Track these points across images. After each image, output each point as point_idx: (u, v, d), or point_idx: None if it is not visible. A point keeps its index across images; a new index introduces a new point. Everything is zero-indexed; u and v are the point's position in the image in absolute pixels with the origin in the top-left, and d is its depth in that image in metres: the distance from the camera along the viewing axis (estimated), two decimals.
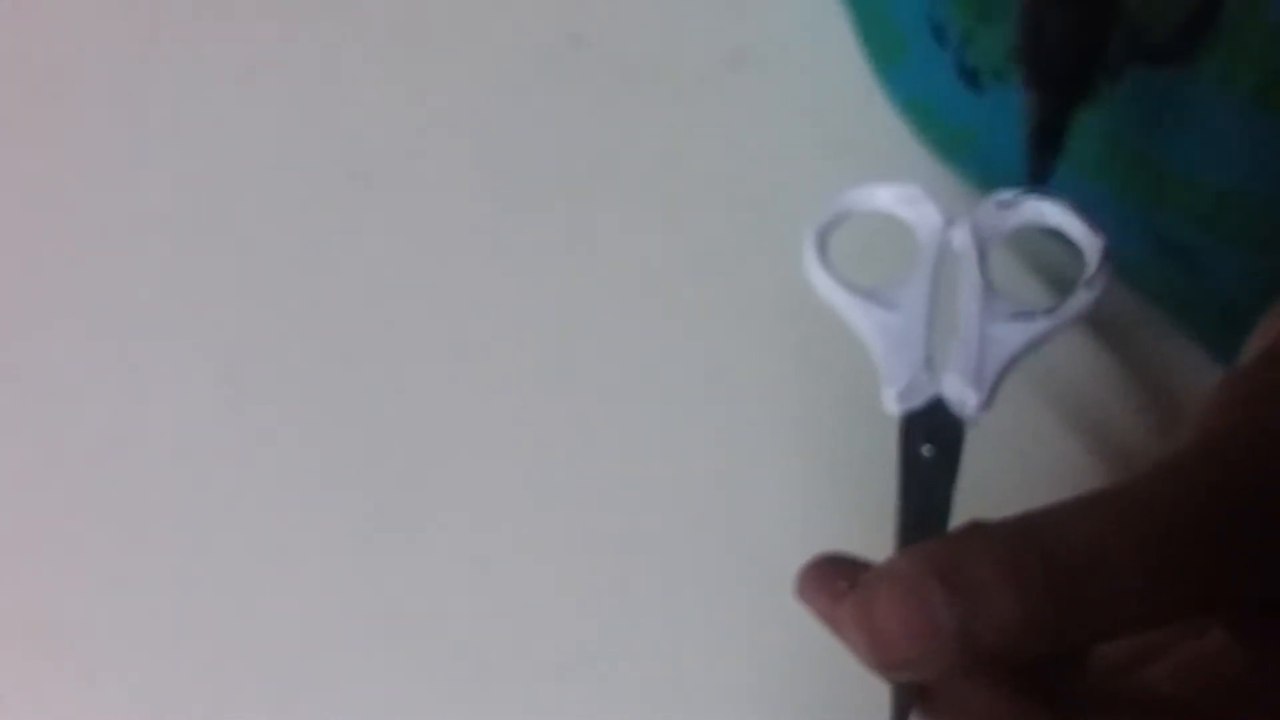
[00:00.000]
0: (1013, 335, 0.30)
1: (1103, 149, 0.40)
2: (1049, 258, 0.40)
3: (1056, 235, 0.32)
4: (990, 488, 0.30)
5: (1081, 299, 0.30)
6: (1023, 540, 0.25)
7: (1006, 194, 0.32)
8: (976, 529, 0.26)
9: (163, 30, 0.51)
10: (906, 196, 0.33)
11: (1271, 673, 0.27)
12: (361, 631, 0.41)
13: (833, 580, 0.28)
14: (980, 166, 0.43)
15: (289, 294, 0.46)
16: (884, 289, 0.31)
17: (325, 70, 0.49)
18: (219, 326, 0.46)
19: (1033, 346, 0.30)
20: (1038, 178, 0.32)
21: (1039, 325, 0.30)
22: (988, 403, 0.30)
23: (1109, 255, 0.31)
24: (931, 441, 0.29)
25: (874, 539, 0.30)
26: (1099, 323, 0.42)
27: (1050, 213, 0.32)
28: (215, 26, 0.50)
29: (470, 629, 0.41)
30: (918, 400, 0.30)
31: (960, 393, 0.30)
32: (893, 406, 0.30)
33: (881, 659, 0.25)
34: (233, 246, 0.47)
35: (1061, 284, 0.33)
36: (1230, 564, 0.26)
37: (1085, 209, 0.32)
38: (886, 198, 0.33)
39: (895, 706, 0.28)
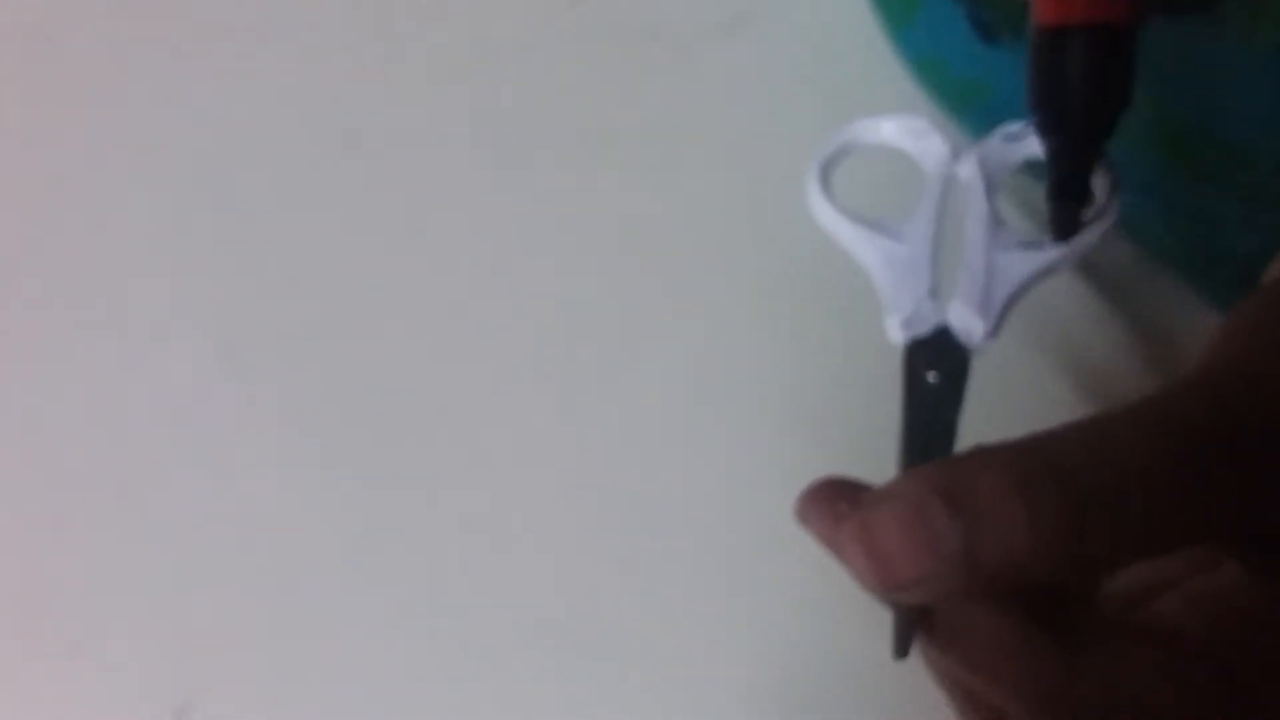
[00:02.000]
0: (1020, 264, 0.30)
1: None
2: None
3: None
4: (983, 435, 0.29)
5: (1092, 230, 0.30)
6: (1033, 457, 0.24)
7: (1014, 126, 0.32)
8: (981, 449, 0.25)
9: None
10: (912, 129, 0.32)
11: None
12: (362, 618, 0.41)
13: (833, 502, 0.27)
14: (995, 121, 0.42)
15: (283, 263, 0.46)
16: (889, 221, 0.31)
17: (316, 31, 0.49)
18: (213, 299, 0.45)
19: (1040, 276, 0.30)
20: (1064, 232, 0.30)
21: (1047, 255, 0.30)
22: (994, 331, 0.29)
23: (1119, 186, 0.30)
24: (937, 368, 0.29)
25: (879, 474, 0.29)
26: (1105, 276, 0.42)
27: None
28: None
29: (469, 611, 0.41)
30: (922, 328, 0.30)
31: (966, 321, 0.29)
32: (897, 334, 0.30)
33: (882, 579, 0.25)
34: (225, 215, 0.47)
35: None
36: (1251, 487, 0.25)
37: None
38: (891, 130, 0.33)
39: (897, 633, 0.27)
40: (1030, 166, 0.31)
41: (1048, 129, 0.30)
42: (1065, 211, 0.30)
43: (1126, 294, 0.42)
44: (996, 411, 0.35)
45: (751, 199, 0.45)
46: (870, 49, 0.45)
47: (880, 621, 0.28)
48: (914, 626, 0.27)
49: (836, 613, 0.37)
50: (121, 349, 0.45)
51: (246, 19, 0.49)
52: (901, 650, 0.27)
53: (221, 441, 0.43)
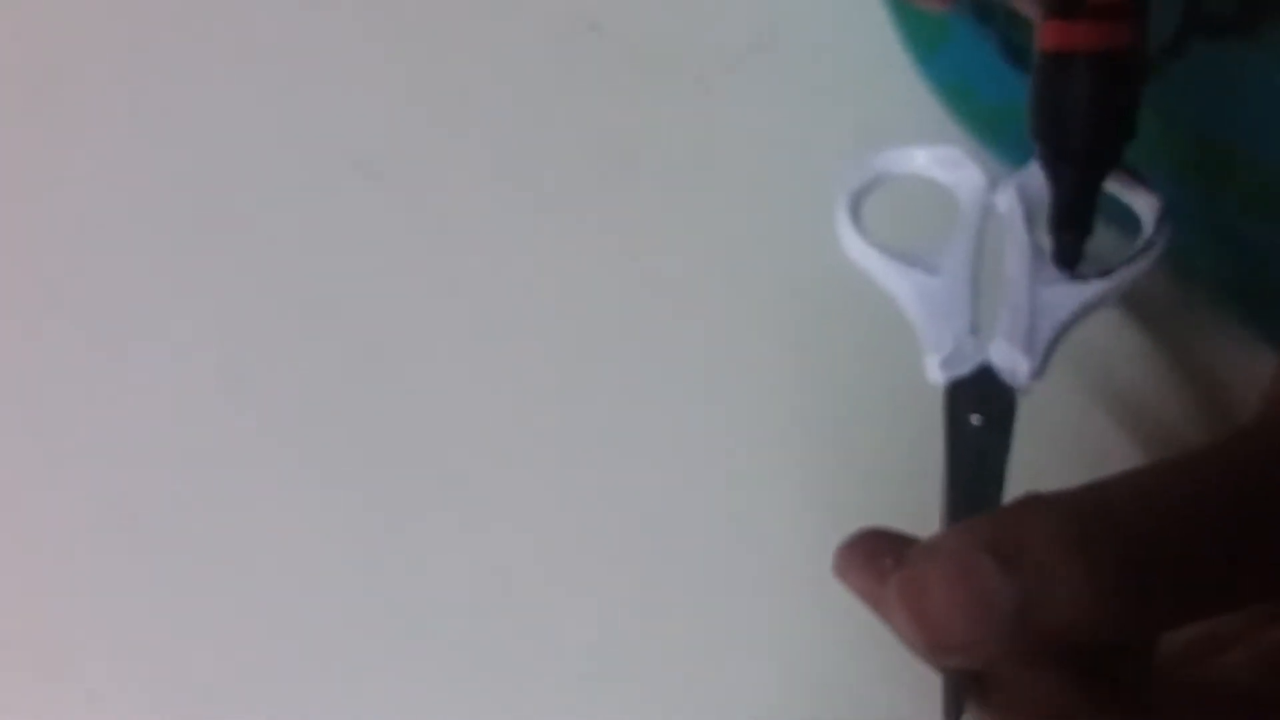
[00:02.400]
0: (1066, 299, 0.28)
1: (1162, 130, 0.38)
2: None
3: (1108, 200, 0.30)
4: (1028, 479, 0.27)
5: (1139, 262, 0.29)
6: (1091, 512, 0.23)
7: None
8: (1036, 499, 0.24)
9: (163, 16, 0.49)
10: (946, 158, 0.31)
11: None
12: (367, 637, 0.40)
13: (876, 557, 0.25)
14: (1026, 149, 0.41)
15: (292, 290, 0.45)
16: (923, 253, 0.30)
17: (332, 57, 0.48)
18: (219, 325, 0.44)
19: (1087, 311, 0.29)
20: (1066, 264, 0.29)
21: (1093, 288, 0.29)
22: (1041, 369, 0.28)
23: (1166, 216, 0.29)
24: (981, 411, 0.28)
25: (919, 524, 0.27)
26: (1149, 308, 0.40)
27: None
28: (216, 10, 0.49)
29: (478, 630, 0.40)
30: (964, 368, 0.28)
31: (1011, 359, 0.28)
32: (936, 375, 0.28)
33: (932, 642, 0.23)
34: (233, 241, 0.46)
35: (1106, 259, 0.31)
36: None
37: (1140, 170, 0.30)
38: (924, 159, 0.31)
39: (947, 697, 0.25)
40: None
41: (1050, 159, 0.29)
42: (1068, 243, 0.29)
43: (1172, 330, 0.40)
44: (1040, 454, 0.33)
45: (774, 228, 0.43)
46: (896, 76, 0.43)
47: (916, 673, 0.26)
48: (966, 690, 0.25)
49: (868, 653, 0.35)
50: (125, 375, 0.44)
51: (258, 44, 0.48)
52: (953, 716, 0.25)
53: (225, 469, 0.42)
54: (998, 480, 0.27)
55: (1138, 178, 0.30)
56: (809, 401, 0.41)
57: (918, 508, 0.28)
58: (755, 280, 0.43)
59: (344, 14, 0.48)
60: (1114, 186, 0.30)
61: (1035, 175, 0.30)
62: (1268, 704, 0.25)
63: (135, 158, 0.47)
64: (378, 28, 0.48)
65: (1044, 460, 0.36)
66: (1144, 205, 0.29)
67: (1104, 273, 0.29)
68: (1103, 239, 0.36)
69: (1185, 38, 0.37)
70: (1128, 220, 0.30)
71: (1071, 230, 0.29)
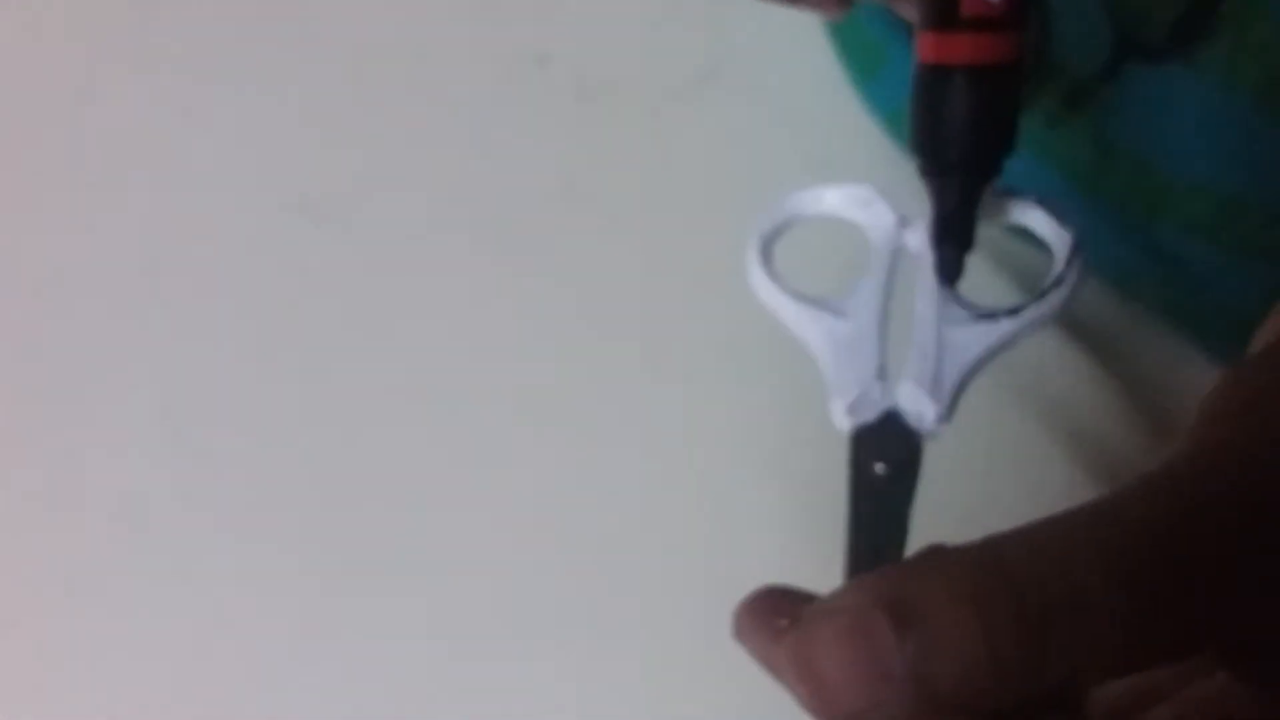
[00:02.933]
0: (974, 340, 0.28)
1: (1097, 156, 0.38)
2: (1019, 262, 0.38)
3: (1023, 234, 0.29)
4: (960, 510, 0.28)
5: (1050, 300, 0.28)
6: (987, 567, 0.22)
7: None
8: (934, 554, 0.23)
9: (107, 55, 0.49)
10: (857, 198, 0.31)
11: None
12: (320, 685, 0.40)
13: (771, 617, 0.24)
14: None
15: (234, 334, 0.45)
16: (833, 297, 0.29)
17: (275, 96, 0.48)
18: (159, 369, 0.44)
19: (996, 352, 0.28)
20: (949, 279, 0.28)
21: (1003, 328, 0.28)
22: (948, 414, 0.27)
23: (1079, 250, 0.28)
24: (885, 459, 0.27)
25: (831, 571, 0.27)
26: (1085, 327, 0.40)
27: (1014, 208, 0.30)
28: (159, 51, 0.49)
29: (437, 676, 0.39)
30: (869, 414, 0.27)
31: (917, 404, 0.27)
32: (842, 421, 0.28)
33: (824, 708, 0.22)
34: (175, 284, 0.46)
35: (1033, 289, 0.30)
36: (1228, 594, 0.22)
37: (1052, 202, 0.29)
38: (835, 200, 0.31)
39: None
40: (987, 231, 0.30)
41: (929, 172, 0.28)
42: (949, 258, 0.28)
43: (1114, 348, 0.40)
44: (980, 479, 0.33)
45: (719, 257, 0.42)
46: (842, 104, 0.43)
47: None
48: None
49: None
50: (63, 423, 0.44)
51: (200, 83, 0.48)
52: None
53: (166, 516, 0.42)
54: (900, 530, 0.26)
55: (1052, 211, 0.29)
56: (742, 437, 0.41)
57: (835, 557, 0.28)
58: (701, 307, 0.43)
59: (287, 53, 0.48)
60: (1028, 219, 0.29)
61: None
62: None
63: (78, 201, 0.47)
64: (321, 66, 0.48)
65: (983, 486, 0.36)
66: (1057, 239, 0.29)
67: (1013, 311, 0.28)
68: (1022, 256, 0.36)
69: (1119, 62, 0.37)
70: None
71: (952, 245, 0.28)
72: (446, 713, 0.39)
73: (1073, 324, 0.40)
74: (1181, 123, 0.36)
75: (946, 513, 0.27)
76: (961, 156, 0.28)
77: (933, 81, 0.28)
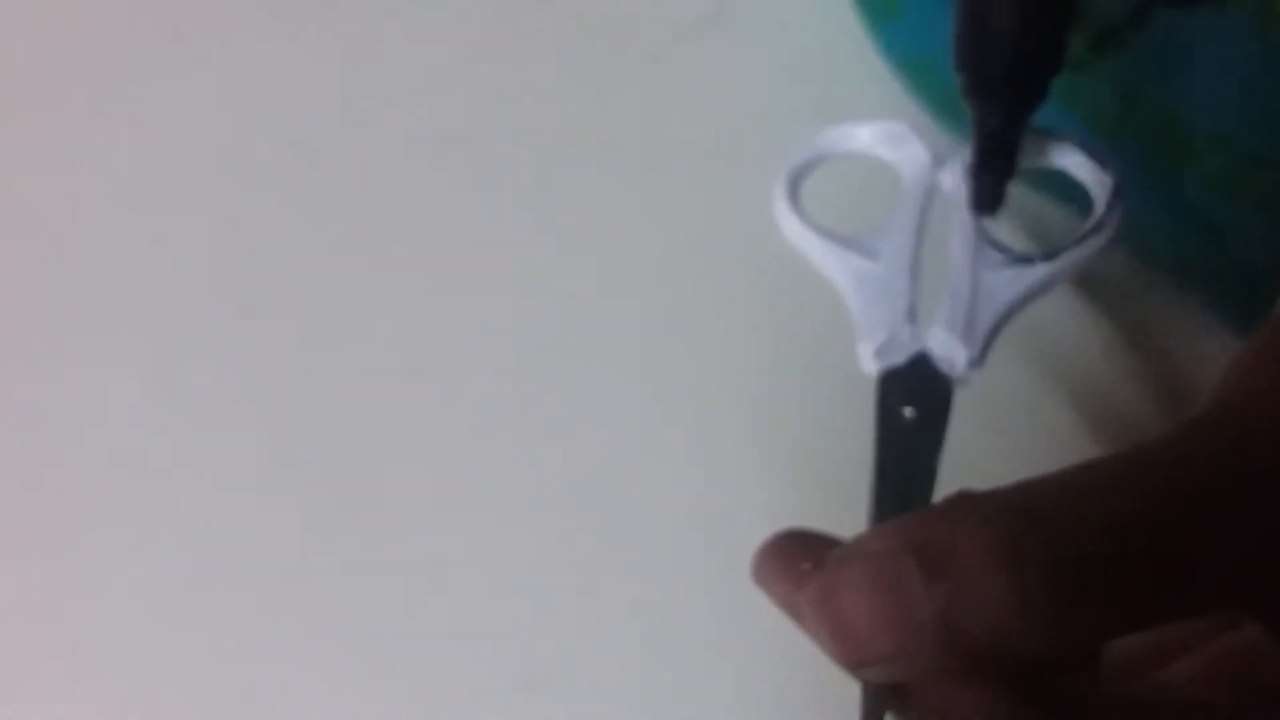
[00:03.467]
0: (1009, 284, 0.27)
1: (1122, 105, 0.37)
2: (1047, 217, 0.36)
3: (1059, 177, 0.28)
4: (974, 468, 0.26)
5: (1089, 244, 0.27)
6: (1020, 515, 0.21)
7: None
8: (964, 499, 0.22)
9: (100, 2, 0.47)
10: (890, 135, 0.30)
11: None
12: (316, 645, 0.38)
13: (794, 560, 0.23)
14: None
15: (225, 281, 0.43)
16: (863, 236, 0.28)
17: (269, 36, 0.46)
18: (152, 316, 0.43)
19: (1032, 296, 0.27)
20: (987, 208, 0.27)
21: (1038, 272, 0.27)
22: (980, 359, 0.26)
23: (1120, 193, 0.27)
24: (914, 403, 0.26)
25: (854, 520, 0.26)
26: (1103, 288, 0.39)
27: (1053, 150, 0.29)
28: None
29: (430, 636, 0.38)
30: (898, 356, 0.27)
31: (948, 348, 0.26)
32: (869, 364, 0.27)
33: (848, 655, 0.21)
34: (167, 227, 0.44)
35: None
36: (1262, 547, 0.22)
37: (1093, 145, 0.28)
38: (867, 136, 0.30)
39: (866, 709, 0.23)
40: (1023, 175, 0.28)
41: (973, 91, 0.28)
42: (988, 185, 0.27)
43: (1128, 311, 0.39)
44: (989, 439, 0.32)
45: (726, 204, 0.42)
46: (853, 50, 0.42)
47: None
48: (885, 703, 0.23)
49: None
50: (55, 372, 0.42)
51: (194, 25, 0.46)
52: None
53: (157, 477, 0.40)
54: (928, 477, 0.25)
55: (1092, 154, 0.28)
56: (755, 387, 0.39)
57: (858, 504, 0.26)
58: (706, 259, 0.41)
59: None
60: (1067, 162, 0.28)
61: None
62: (1211, 715, 0.23)
63: (69, 143, 0.45)
64: (316, 4, 0.46)
65: (992, 444, 0.35)
66: (1096, 183, 0.28)
67: (1050, 255, 0.27)
68: (1051, 220, 0.35)
69: (1148, 8, 0.35)
70: (1079, 200, 0.29)
71: (993, 170, 0.27)
72: (434, 666, 0.38)
73: (1089, 289, 0.39)
74: (1209, 71, 0.35)
75: (956, 476, 0.25)
76: (1008, 72, 0.27)
77: None
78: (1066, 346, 0.38)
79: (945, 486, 0.25)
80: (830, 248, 0.28)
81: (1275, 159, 0.35)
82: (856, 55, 0.42)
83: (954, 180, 0.28)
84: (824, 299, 0.30)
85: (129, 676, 0.38)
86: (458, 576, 0.39)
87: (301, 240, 0.43)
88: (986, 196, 0.27)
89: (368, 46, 0.45)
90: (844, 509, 0.26)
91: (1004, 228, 0.29)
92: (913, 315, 0.27)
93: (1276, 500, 0.22)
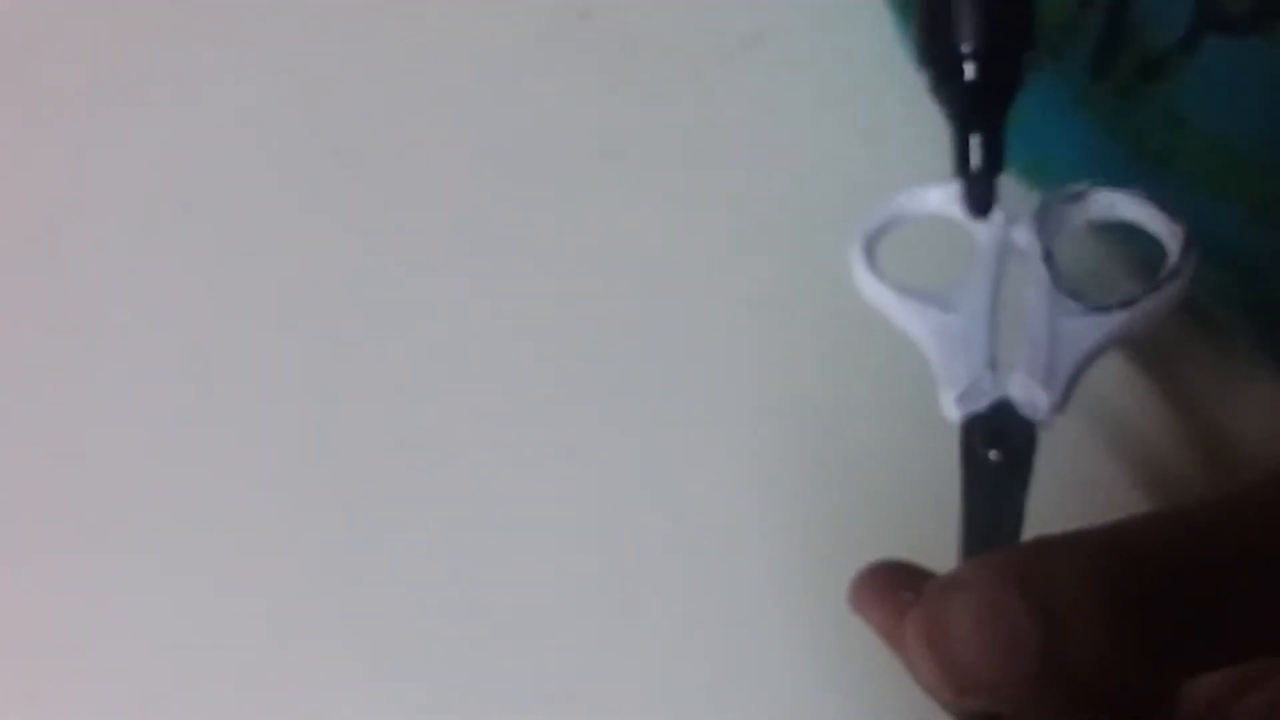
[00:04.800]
0: (1087, 331, 0.27)
1: (1168, 130, 0.36)
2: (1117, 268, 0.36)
3: (1130, 230, 0.29)
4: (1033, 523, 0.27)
5: (1166, 291, 0.27)
6: (1118, 550, 0.22)
7: (1076, 186, 0.29)
8: (1059, 538, 0.22)
9: (140, 3, 0.47)
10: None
11: None
12: (338, 640, 0.38)
13: (894, 589, 0.25)
14: (1030, 153, 0.39)
15: (262, 281, 0.43)
16: (940, 291, 0.29)
17: (316, 44, 0.46)
18: (185, 316, 0.43)
19: (1110, 343, 0.27)
20: (978, 209, 0.27)
21: (1116, 319, 0.27)
22: (1063, 404, 0.27)
23: (1192, 243, 0.28)
24: (999, 446, 0.26)
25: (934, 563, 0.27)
26: (1158, 348, 0.39)
27: (1123, 204, 0.29)
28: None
29: (452, 639, 0.38)
30: (981, 403, 0.27)
31: (1030, 393, 0.27)
32: (952, 411, 0.27)
33: (954, 681, 0.22)
34: (207, 228, 0.44)
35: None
36: None
37: (1161, 198, 0.29)
38: (939, 198, 0.30)
39: None
40: (1095, 229, 0.29)
41: (941, 82, 0.27)
42: (975, 180, 0.27)
43: (1177, 359, 0.39)
44: (1043, 495, 0.32)
45: (767, 223, 0.42)
46: (894, 72, 0.41)
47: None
48: None
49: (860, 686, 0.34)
50: (94, 367, 0.42)
51: (241, 29, 0.46)
52: None
53: (191, 472, 0.41)
54: (1017, 518, 0.26)
55: (1162, 206, 0.28)
56: (794, 394, 0.40)
57: (935, 546, 0.27)
58: (745, 271, 0.42)
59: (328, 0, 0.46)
60: (1138, 215, 0.29)
61: (1055, 208, 0.29)
62: None
63: (109, 147, 0.45)
64: (362, 13, 0.46)
65: (1046, 500, 0.35)
66: (1169, 234, 0.28)
67: (1125, 304, 0.27)
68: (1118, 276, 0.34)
69: (1198, 34, 0.35)
70: (1147, 253, 0.29)
71: (980, 170, 0.26)
72: (455, 666, 0.38)
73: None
74: (1259, 100, 0.35)
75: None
76: (976, 49, 0.25)
77: None
78: (1118, 398, 0.39)
79: None
80: (909, 303, 0.28)
81: None
82: (898, 81, 0.41)
83: (1028, 236, 0.28)
84: (854, 316, 0.30)
85: (149, 677, 0.38)
86: (483, 586, 0.39)
87: (342, 248, 0.43)
88: (976, 196, 0.27)
89: (416, 59, 0.45)
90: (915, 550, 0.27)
91: (1080, 280, 0.29)
92: (993, 364, 0.27)
93: None
